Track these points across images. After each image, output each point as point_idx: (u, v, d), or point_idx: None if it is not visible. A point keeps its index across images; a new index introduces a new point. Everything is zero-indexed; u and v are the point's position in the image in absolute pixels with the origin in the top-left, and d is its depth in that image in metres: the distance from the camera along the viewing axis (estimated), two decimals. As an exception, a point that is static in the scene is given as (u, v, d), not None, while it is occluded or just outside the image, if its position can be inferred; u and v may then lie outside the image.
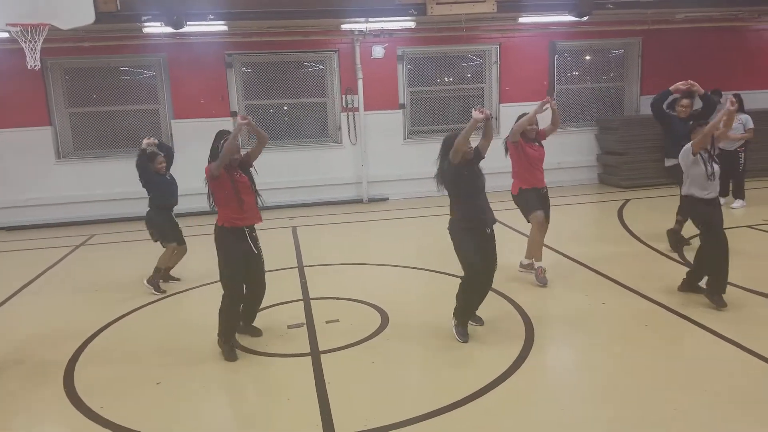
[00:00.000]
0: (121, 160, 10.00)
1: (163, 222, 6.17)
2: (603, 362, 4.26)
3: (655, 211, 8.98)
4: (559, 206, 9.49)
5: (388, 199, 10.79)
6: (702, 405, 3.60)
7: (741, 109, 8.92)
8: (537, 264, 5.92)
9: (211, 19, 8.60)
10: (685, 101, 6.93)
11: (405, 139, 10.90)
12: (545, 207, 5.95)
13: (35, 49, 6.84)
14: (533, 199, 5.85)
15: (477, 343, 4.61)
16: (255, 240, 4.63)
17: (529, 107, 11.01)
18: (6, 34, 7.79)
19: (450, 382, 4.03)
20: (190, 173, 9.66)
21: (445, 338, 4.69)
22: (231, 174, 4.48)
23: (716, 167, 4.96)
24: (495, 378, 4.02)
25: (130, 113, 10.28)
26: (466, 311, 4.63)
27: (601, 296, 5.50)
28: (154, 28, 8.85)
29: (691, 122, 6.10)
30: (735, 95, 9.00)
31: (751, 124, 8.82)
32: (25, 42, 6.75)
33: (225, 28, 9.31)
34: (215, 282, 5.86)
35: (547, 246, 6.49)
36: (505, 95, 11.05)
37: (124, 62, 10.18)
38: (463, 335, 4.60)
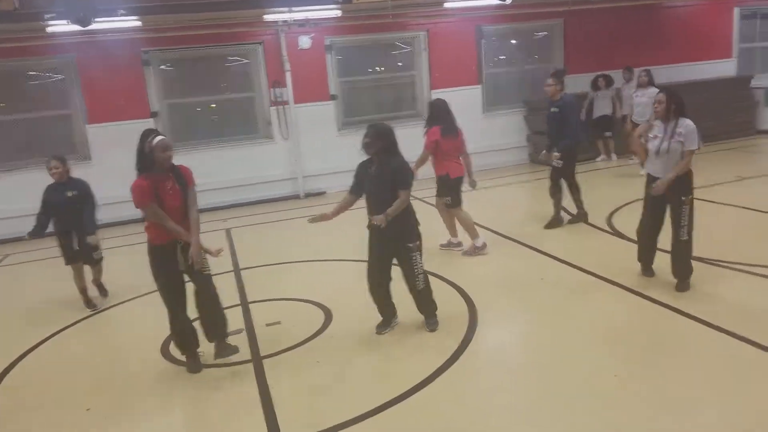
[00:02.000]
0: (33, 172, 9.29)
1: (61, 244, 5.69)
2: (545, 336, 4.27)
3: (584, 186, 9.17)
4: (494, 188, 9.60)
5: (325, 193, 10.54)
6: (643, 373, 3.64)
7: (651, 83, 9.28)
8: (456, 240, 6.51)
9: (122, 14, 8.06)
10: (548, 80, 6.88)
11: (339, 130, 10.68)
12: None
13: None
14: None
15: (423, 330, 4.51)
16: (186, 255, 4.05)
17: (460, 92, 11.17)
18: None
19: (397, 374, 3.94)
20: (110, 181, 9.21)
21: (391, 330, 4.56)
22: (161, 190, 3.96)
23: (661, 145, 4.66)
24: (443, 363, 3.95)
25: (39, 121, 9.54)
26: (377, 307, 4.58)
27: (540, 271, 5.54)
28: (59, 26, 8.20)
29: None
30: (645, 70, 9.48)
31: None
32: None
33: (139, 23, 8.77)
34: (143, 295, 5.55)
35: (481, 226, 6.68)
36: (436, 81, 11.01)
37: (29, 66, 9.44)
38: (381, 328, 4.58)
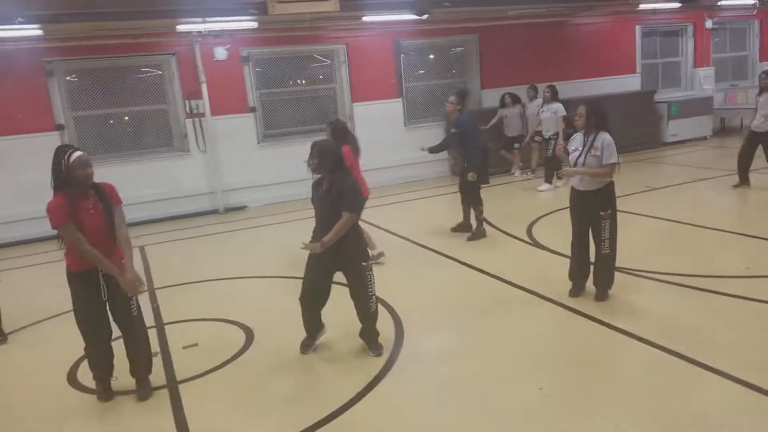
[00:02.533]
0: None
1: None
2: (471, 351, 4.33)
3: (502, 197, 9.53)
4: (417, 200, 9.76)
5: (246, 207, 10.32)
6: (566, 386, 3.77)
7: (555, 98, 9.80)
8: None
9: (20, 22, 7.55)
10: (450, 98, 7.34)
11: (259, 143, 10.50)
12: None
13: None
14: None
15: (350, 345, 4.47)
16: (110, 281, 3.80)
17: (382, 105, 11.25)
18: None
19: (323, 395, 3.86)
20: (12, 198, 8.61)
21: (316, 348, 4.50)
22: (81, 210, 3.66)
23: (578, 159, 4.79)
24: (369, 382, 3.92)
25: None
26: (304, 323, 4.46)
27: (464, 284, 5.65)
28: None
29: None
30: (549, 86, 9.98)
31: (562, 112, 9.58)
32: None
33: (40, 32, 8.26)
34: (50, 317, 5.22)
35: (404, 238, 6.76)
36: (356, 94, 11.07)
37: None
38: (306, 347, 4.45)
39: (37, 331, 5.38)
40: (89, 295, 3.76)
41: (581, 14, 12.55)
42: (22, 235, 8.32)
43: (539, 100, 10.22)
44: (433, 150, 7.55)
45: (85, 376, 4.23)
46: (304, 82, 11.18)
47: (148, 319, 5.30)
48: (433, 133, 11.74)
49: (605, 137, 4.68)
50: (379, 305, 5.15)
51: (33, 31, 8.12)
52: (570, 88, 11.81)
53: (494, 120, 10.89)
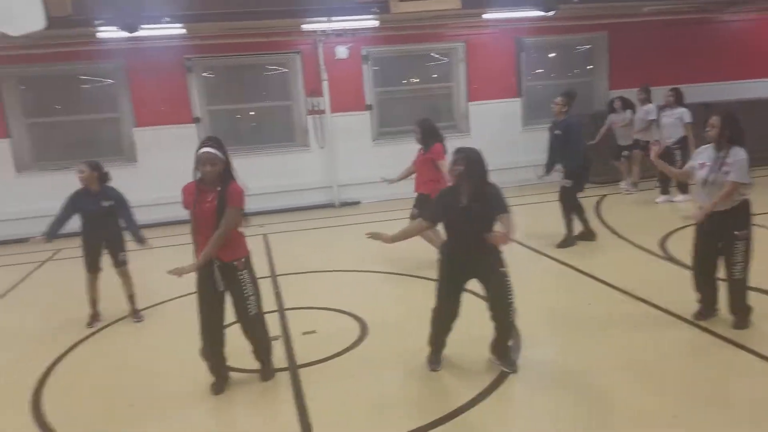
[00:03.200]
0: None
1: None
2: (594, 367, 4.12)
3: (631, 205, 9.01)
4: (531, 204, 9.46)
5: (359, 202, 10.57)
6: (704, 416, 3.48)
7: (679, 102, 8.84)
8: None
9: (167, 22, 8.24)
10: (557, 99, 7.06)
11: (374, 140, 10.70)
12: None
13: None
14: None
15: (467, 346, 4.42)
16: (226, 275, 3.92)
17: (499, 105, 11.01)
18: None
19: (438, 395, 3.84)
20: (153, 183, 9.41)
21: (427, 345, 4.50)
22: (200, 198, 3.83)
23: (708, 176, 4.34)
24: (487, 386, 3.83)
25: (89, 123, 9.85)
26: (431, 338, 4.15)
27: (586, 297, 5.40)
28: (109, 32, 8.45)
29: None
30: (672, 89, 9.10)
31: (688, 119, 8.62)
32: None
33: (183, 31, 8.96)
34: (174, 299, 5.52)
35: (521, 244, 6.64)
36: (473, 93, 10.95)
37: (81, 70, 9.76)
38: (432, 364, 4.12)
39: (170, 309, 5.83)
40: (204, 284, 3.90)
41: (726, 10, 11.49)
42: (160, 218, 9.12)
43: (651, 105, 9.31)
44: (547, 170, 7.16)
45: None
46: (417, 80, 11.22)
47: (271, 303, 5.64)
48: (547, 136, 11.34)
49: (739, 153, 4.20)
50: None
51: (177, 30, 8.82)
52: (710, 91, 10.83)
53: (603, 129, 9.92)
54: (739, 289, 4.39)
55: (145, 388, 4.24)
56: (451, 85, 11.14)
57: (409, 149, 10.70)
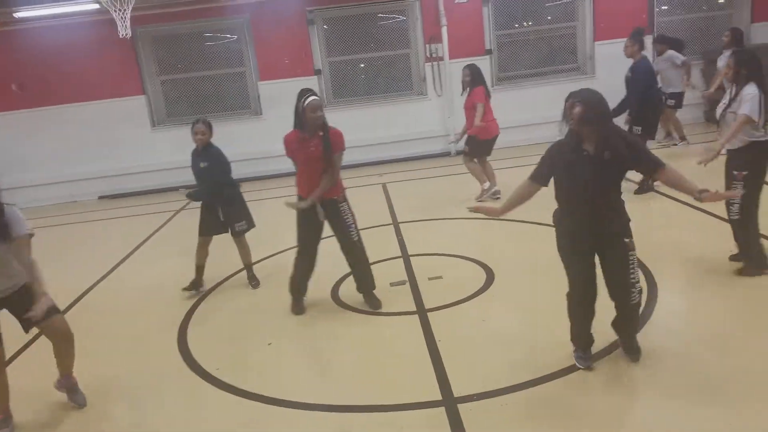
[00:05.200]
0: (214, 125, 10.20)
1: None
2: (721, 319, 3.86)
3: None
4: (671, 147, 8.81)
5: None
6: None
7: (739, 43, 7.83)
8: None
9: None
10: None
11: (493, 86, 10.37)
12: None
13: (125, 18, 6.99)
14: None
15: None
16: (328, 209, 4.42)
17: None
18: (96, 5, 8.03)
19: (564, 343, 3.77)
20: (278, 135, 9.80)
21: (557, 293, 4.41)
22: (304, 145, 4.27)
23: (720, 113, 4.42)
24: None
25: (217, 78, 10.42)
26: (573, 332, 3.57)
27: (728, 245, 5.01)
28: (235, -12, 8.78)
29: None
30: (734, 28, 7.91)
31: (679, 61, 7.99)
32: (115, 11, 6.90)
33: (304, -18, 9.11)
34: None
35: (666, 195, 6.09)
36: (600, 32, 10.22)
37: (209, 27, 10.25)
38: (582, 360, 3.51)
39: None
40: (305, 217, 4.40)
41: None
42: (284, 169, 9.51)
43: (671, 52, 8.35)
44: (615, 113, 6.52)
45: (348, 293, 4.80)
46: (532, 23, 10.60)
47: (395, 249, 5.79)
48: (694, 74, 10.41)
49: (751, 88, 4.11)
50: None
51: (299, -18, 8.96)
52: None
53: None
54: (737, 230, 4.39)
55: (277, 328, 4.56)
56: (576, 25, 10.47)
57: (530, 94, 10.33)
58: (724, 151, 4.34)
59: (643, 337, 3.61)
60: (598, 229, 3.28)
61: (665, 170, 3.17)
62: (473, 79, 6.99)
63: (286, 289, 4.71)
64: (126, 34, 7.08)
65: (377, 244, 6.02)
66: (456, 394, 3.35)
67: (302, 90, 4.25)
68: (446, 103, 10.28)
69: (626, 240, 3.26)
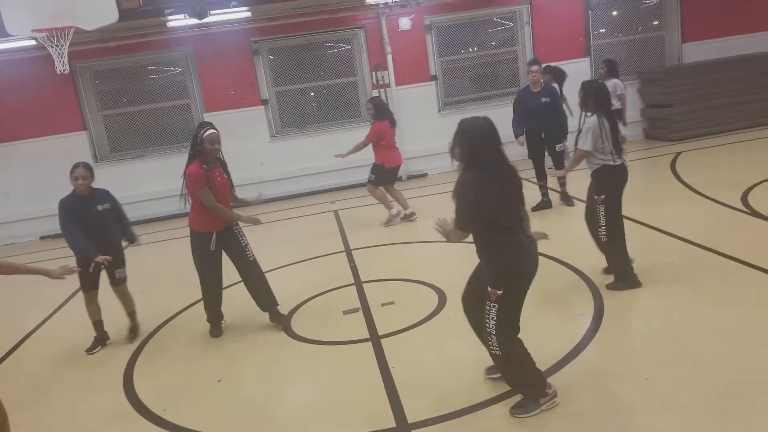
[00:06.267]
0: (158, 158, 10.06)
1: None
2: (678, 325, 3.98)
3: (710, 161, 8.56)
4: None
5: (427, 174, 10.53)
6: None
7: (613, 74, 8.32)
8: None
9: (234, 6, 8.41)
10: (534, 67, 7.22)
11: (440, 111, 10.59)
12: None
13: (62, 53, 6.81)
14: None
15: (546, 315, 4.38)
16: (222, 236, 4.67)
17: (567, 65, 10.56)
18: (33, 42, 7.82)
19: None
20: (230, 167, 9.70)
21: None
22: (211, 177, 4.49)
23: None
24: (568, 352, 3.80)
25: (162, 111, 10.26)
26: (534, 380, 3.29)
27: (669, 256, 5.18)
28: (178, 21, 8.72)
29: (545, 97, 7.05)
30: (605, 60, 8.53)
31: (621, 90, 8.19)
32: (52, 47, 6.73)
33: (249, 14, 9.12)
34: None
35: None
36: (540, 56, 10.54)
37: (151, 60, 10.11)
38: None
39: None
40: (205, 249, 4.60)
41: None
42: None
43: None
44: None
45: (301, 324, 4.68)
46: (475, 49, 10.93)
47: (348, 276, 5.76)
48: (632, 92, 10.89)
49: (590, 120, 4.49)
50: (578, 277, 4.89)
51: (243, 13, 8.97)
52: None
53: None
54: (607, 251, 4.71)
55: (227, 364, 4.44)
56: (516, 50, 10.83)
57: (476, 118, 10.52)
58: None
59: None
60: (481, 265, 3.28)
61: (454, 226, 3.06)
62: (376, 113, 7.38)
63: (236, 324, 4.60)
64: (64, 70, 6.89)
65: (330, 272, 6.01)
66: (410, 420, 3.32)
67: (201, 122, 4.61)
68: (395, 128, 10.36)
69: (489, 288, 3.07)
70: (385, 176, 7.53)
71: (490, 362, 3.42)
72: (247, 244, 4.73)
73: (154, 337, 5.10)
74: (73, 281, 4.56)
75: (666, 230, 5.80)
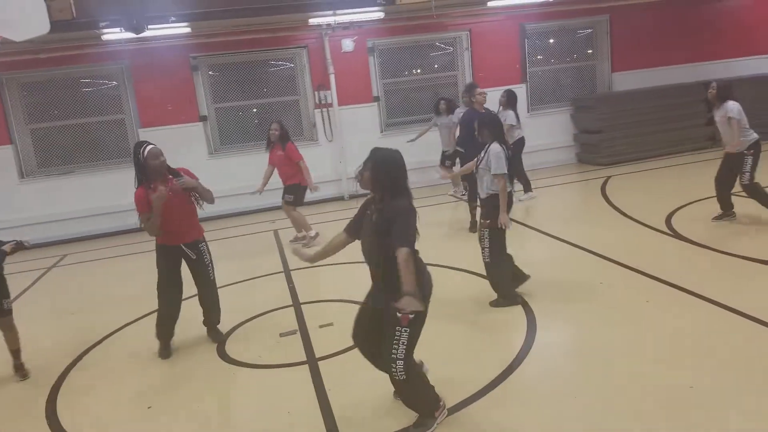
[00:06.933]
0: (89, 175, 9.68)
1: None
2: (607, 343, 4.13)
3: (637, 185, 9.00)
4: (543, 188, 9.45)
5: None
6: (715, 379, 3.50)
7: (511, 106, 8.58)
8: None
9: (172, 21, 8.24)
10: (479, 89, 7.53)
11: (382, 132, 10.70)
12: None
13: (-13, 64, 6.51)
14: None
15: (481, 334, 4.45)
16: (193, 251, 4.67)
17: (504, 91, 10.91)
18: (-45, 50, 7.41)
19: (457, 378, 3.86)
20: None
21: (447, 333, 4.52)
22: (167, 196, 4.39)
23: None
24: (503, 371, 3.87)
25: (94, 125, 9.88)
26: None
27: (599, 276, 5.39)
28: (113, 34, 8.46)
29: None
30: (507, 91, 8.82)
31: (511, 121, 8.26)
32: (-25, 58, 6.41)
33: (188, 30, 8.97)
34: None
35: (535, 229, 6.76)
36: (479, 81, 10.87)
37: (84, 72, 9.76)
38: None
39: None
40: (167, 264, 4.58)
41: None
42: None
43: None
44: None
45: (236, 348, 4.58)
46: (418, 71, 11.17)
47: (286, 298, 5.69)
48: (557, 119, 11.37)
49: (495, 147, 4.81)
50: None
51: (182, 29, 8.82)
52: (711, 70, 10.90)
53: (424, 129, 9.46)
54: (489, 272, 5.01)
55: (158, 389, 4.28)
56: (456, 74, 11.11)
57: (418, 140, 10.75)
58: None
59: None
60: (377, 292, 3.32)
61: (399, 252, 2.98)
62: (282, 134, 7.43)
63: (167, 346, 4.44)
64: (-12, 81, 6.58)
65: (268, 294, 5.92)
66: (345, 444, 3.28)
67: (137, 143, 4.51)
68: (337, 148, 10.42)
69: (398, 314, 3.03)
70: (303, 196, 7.70)
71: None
72: (210, 262, 4.76)
73: (86, 355, 4.86)
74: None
75: (595, 251, 6.03)
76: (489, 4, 9.98)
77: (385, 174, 3.14)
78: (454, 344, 4.40)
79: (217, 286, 4.91)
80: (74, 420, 3.90)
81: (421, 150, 9.50)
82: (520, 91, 11.10)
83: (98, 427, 3.79)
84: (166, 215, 4.37)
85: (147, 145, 4.40)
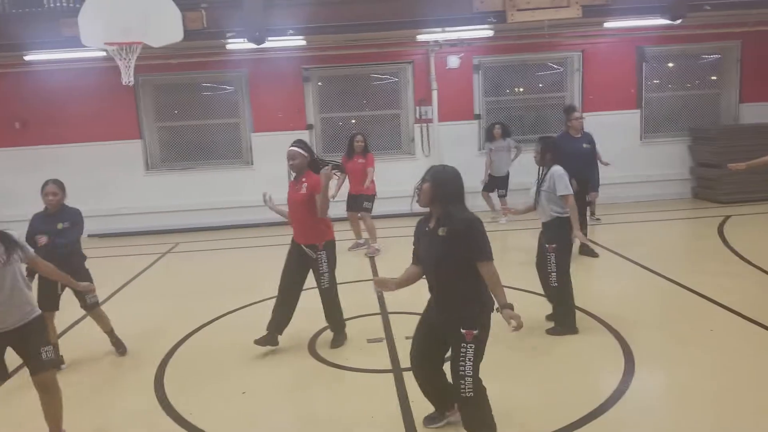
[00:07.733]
0: (205, 172, 10.39)
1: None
2: (706, 398, 3.86)
3: (760, 228, 8.31)
4: (653, 222, 8.96)
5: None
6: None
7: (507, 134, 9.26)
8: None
9: (291, 34, 8.72)
10: (577, 113, 7.37)
11: (480, 150, 10.63)
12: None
13: (129, 66, 7.18)
14: None
15: (575, 367, 4.31)
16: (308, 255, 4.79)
17: (615, 116, 10.53)
18: (103, 53, 8.26)
19: (556, 400, 3.79)
20: (267, 185, 9.91)
21: (536, 351, 4.42)
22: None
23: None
24: (599, 405, 3.73)
25: (212, 127, 10.63)
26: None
27: (707, 323, 5.03)
28: (236, 44, 9.08)
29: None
30: (501, 124, 9.32)
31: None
32: (120, 60, 7.11)
33: (303, 42, 9.43)
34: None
35: (640, 265, 6.50)
36: (588, 104, 10.57)
37: (207, 78, 10.55)
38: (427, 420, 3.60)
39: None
40: (289, 257, 4.87)
41: None
42: (270, 218, 9.60)
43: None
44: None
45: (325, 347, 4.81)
46: (521, 90, 10.98)
47: (375, 305, 5.78)
48: (673, 150, 10.74)
49: (557, 170, 4.84)
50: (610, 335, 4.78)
51: (298, 41, 9.29)
52: None
53: (487, 162, 9.61)
54: (555, 296, 4.94)
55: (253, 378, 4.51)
56: (564, 95, 10.84)
57: (522, 156, 10.65)
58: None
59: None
60: (440, 308, 3.24)
61: (485, 265, 3.04)
62: (366, 146, 8.04)
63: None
64: (129, 81, 7.25)
65: (357, 299, 6.03)
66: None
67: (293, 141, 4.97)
68: (434, 163, 10.44)
69: (462, 330, 3.06)
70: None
71: (429, 410, 3.57)
72: (326, 271, 4.83)
73: (193, 336, 5.29)
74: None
75: (709, 296, 5.61)
76: (605, 25, 9.66)
77: (451, 184, 3.17)
78: (541, 372, 4.29)
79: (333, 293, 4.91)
80: (176, 392, 4.20)
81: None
82: (634, 116, 10.67)
83: (197, 402, 4.05)
84: (290, 208, 4.86)
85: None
